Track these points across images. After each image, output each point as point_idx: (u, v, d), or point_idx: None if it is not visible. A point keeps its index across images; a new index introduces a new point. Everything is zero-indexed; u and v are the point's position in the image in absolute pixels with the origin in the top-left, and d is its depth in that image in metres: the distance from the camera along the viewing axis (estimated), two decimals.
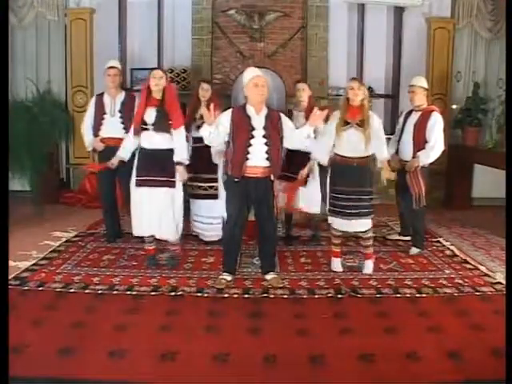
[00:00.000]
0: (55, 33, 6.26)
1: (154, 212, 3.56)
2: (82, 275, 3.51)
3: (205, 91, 4.12)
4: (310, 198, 4.11)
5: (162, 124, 3.52)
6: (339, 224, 3.65)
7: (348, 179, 3.52)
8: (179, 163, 3.56)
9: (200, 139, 4.07)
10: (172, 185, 3.56)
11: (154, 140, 3.54)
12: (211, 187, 4.18)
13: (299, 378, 2.28)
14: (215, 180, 4.17)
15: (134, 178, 3.58)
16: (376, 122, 3.57)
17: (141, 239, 3.88)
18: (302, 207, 4.17)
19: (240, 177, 3.27)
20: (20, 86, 6.16)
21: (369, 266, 3.72)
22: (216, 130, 3.27)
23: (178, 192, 3.61)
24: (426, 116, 4.04)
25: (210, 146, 4.05)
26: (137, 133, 3.56)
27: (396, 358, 2.43)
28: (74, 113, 6.26)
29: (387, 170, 3.66)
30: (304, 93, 4.10)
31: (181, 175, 3.57)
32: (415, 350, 2.49)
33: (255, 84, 3.26)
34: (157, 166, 3.51)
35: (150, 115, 3.52)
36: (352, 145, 3.52)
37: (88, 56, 6.20)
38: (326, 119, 3.67)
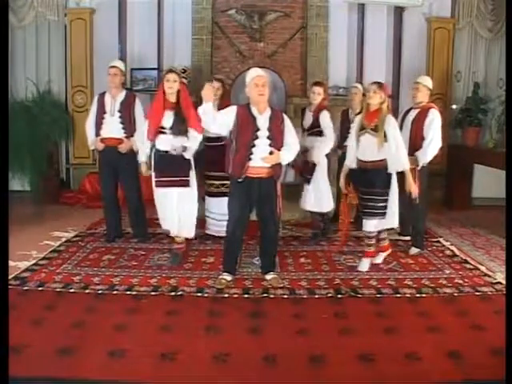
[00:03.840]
0: (55, 33, 6.26)
1: (174, 211, 3.68)
2: (81, 275, 3.51)
3: (216, 90, 4.14)
4: (320, 197, 4.19)
5: (180, 128, 3.57)
6: (372, 225, 3.67)
7: (363, 181, 3.60)
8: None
9: (212, 139, 4.09)
10: (187, 184, 3.68)
11: (170, 142, 3.58)
12: (223, 185, 4.22)
13: (299, 378, 2.28)
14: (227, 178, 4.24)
15: (153, 179, 3.68)
16: (391, 126, 3.52)
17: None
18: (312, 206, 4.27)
19: (242, 176, 3.27)
20: (20, 86, 6.17)
21: (365, 265, 3.75)
22: (217, 116, 3.28)
23: (193, 190, 3.72)
24: (423, 113, 4.04)
25: (221, 145, 4.12)
26: (154, 136, 3.58)
27: (396, 358, 2.43)
28: (74, 113, 6.26)
29: (408, 182, 3.60)
30: (319, 97, 4.20)
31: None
32: (415, 350, 2.49)
33: (255, 84, 3.27)
34: (173, 167, 3.59)
35: (168, 119, 3.56)
36: (366, 149, 3.57)
37: (88, 56, 6.20)
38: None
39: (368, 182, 3.58)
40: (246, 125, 3.27)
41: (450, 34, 6.28)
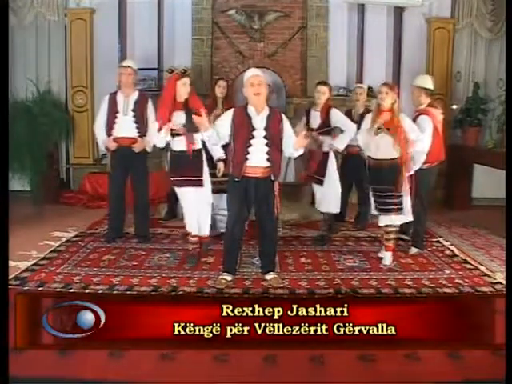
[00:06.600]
0: (55, 33, 6.25)
1: (194, 211, 3.76)
2: (81, 275, 3.51)
3: (222, 88, 4.22)
4: (333, 198, 4.19)
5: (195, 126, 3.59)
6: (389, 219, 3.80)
7: (381, 179, 3.68)
8: (221, 159, 3.83)
9: None
10: (201, 183, 3.73)
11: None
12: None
13: (299, 378, 2.28)
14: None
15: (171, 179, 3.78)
16: (406, 123, 3.69)
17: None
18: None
19: (240, 176, 3.27)
20: (20, 86, 6.16)
21: (388, 258, 3.89)
22: (214, 132, 3.29)
23: (207, 189, 3.80)
24: (416, 118, 4.00)
25: None
26: (171, 136, 3.62)
27: (396, 358, 2.43)
28: (74, 113, 6.26)
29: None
30: (324, 96, 4.16)
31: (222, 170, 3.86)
32: (415, 350, 2.48)
33: (251, 83, 3.27)
34: (188, 167, 3.67)
35: (182, 119, 3.61)
36: (381, 148, 3.63)
37: (88, 56, 6.20)
38: None
39: (385, 179, 3.68)
40: (241, 125, 3.27)
41: (450, 34, 6.28)
